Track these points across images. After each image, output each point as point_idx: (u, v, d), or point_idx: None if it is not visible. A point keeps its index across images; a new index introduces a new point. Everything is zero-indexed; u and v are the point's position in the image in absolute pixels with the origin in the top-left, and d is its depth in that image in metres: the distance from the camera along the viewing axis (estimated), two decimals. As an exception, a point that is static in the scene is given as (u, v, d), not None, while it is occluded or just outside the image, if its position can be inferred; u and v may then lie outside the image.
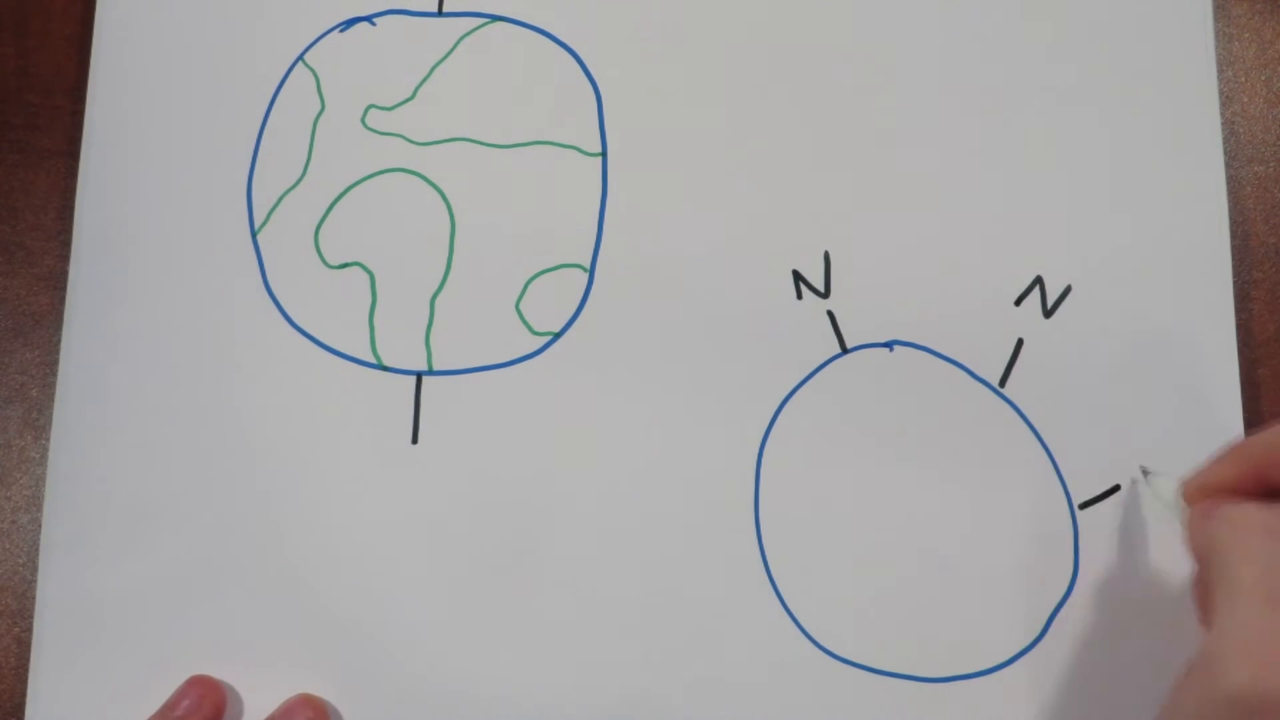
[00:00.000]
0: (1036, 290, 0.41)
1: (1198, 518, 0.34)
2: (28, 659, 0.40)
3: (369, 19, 0.44)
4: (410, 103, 0.43)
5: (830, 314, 0.41)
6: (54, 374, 0.42)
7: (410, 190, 0.43)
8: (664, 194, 0.42)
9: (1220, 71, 0.44)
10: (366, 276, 0.42)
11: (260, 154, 0.43)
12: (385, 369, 0.42)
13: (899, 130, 0.43)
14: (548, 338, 0.42)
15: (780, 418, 0.41)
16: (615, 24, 0.44)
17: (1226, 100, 0.43)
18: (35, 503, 0.42)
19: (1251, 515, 0.31)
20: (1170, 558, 0.39)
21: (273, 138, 0.43)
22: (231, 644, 0.40)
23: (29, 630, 0.41)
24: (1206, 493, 0.35)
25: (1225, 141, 0.42)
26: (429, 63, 0.44)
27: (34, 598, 0.41)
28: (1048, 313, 0.41)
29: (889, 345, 0.41)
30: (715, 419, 0.41)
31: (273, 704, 0.39)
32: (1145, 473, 0.39)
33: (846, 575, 0.40)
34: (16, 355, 0.43)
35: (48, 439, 0.42)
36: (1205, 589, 0.33)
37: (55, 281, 0.43)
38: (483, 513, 0.41)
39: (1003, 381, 0.41)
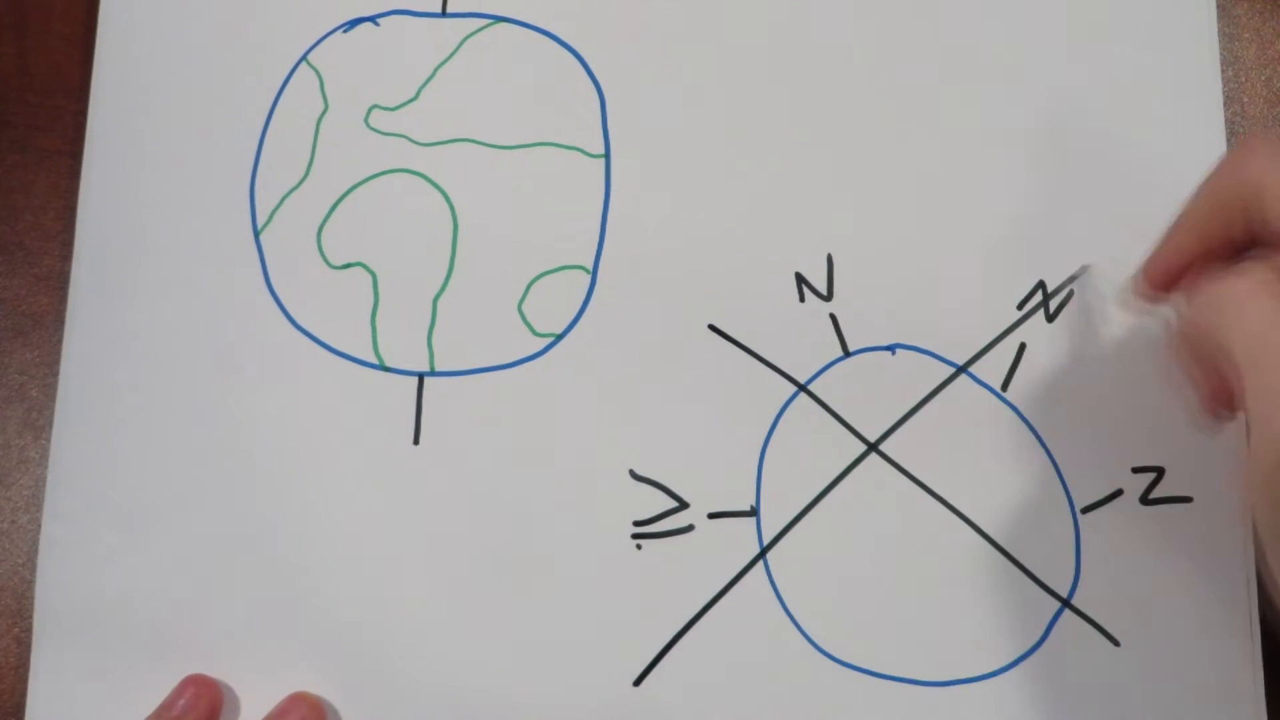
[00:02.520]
0: (1039, 294, 0.41)
1: (1189, 303, 0.34)
2: (28, 659, 0.40)
3: (373, 19, 0.44)
4: (413, 103, 0.43)
5: (833, 317, 0.41)
6: (54, 374, 0.42)
7: (413, 191, 0.43)
8: (667, 196, 0.42)
9: (1221, 72, 0.44)
10: (369, 277, 0.42)
11: (263, 154, 0.43)
12: (387, 370, 0.42)
13: (903, 133, 0.43)
14: (550, 339, 0.42)
15: (782, 420, 0.41)
16: (619, 26, 0.44)
17: (1227, 100, 0.43)
18: (35, 503, 0.42)
19: (1241, 284, 0.31)
20: (1174, 562, 0.39)
21: (276, 138, 0.43)
22: (231, 644, 0.40)
23: (29, 630, 0.40)
24: (1171, 273, 0.35)
25: (1226, 141, 0.42)
26: (433, 63, 0.44)
27: (34, 598, 0.40)
28: (1050, 317, 0.41)
29: (891, 349, 0.41)
30: (717, 421, 0.41)
31: (272, 704, 0.39)
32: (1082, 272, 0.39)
33: (847, 578, 0.40)
34: (16, 355, 0.43)
35: (48, 439, 0.42)
36: (1217, 374, 0.33)
37: (55, 282, 0.43)
38: (484, 514, 0.41)
39: (1005, 385, 0.41)
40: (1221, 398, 0.34)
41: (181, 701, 0.39)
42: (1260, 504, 0.30)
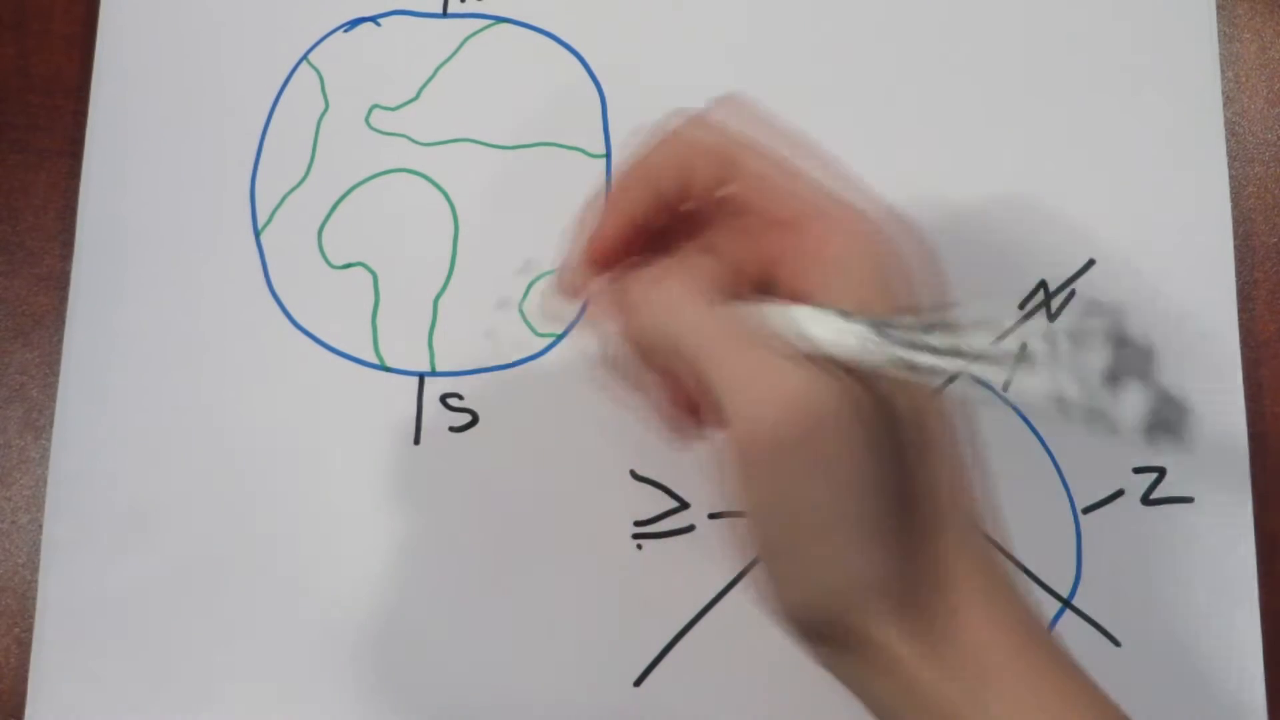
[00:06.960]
0: (1041, 294, 0.41)
1: (624, 311, 0.30)
2: (28, 659, 0.40)
3: (374, 19, 0.44)
4: (414, 103, 0.43)
5: (834, 317, 0.41)
6: (54, 374, 0.42)
7: (414, 191, 0.43)
8: (668, 196, 0.42)
9: (1221, 72, 0.44)
10: (369, 277, 0.42)
11: (264, 153, 0.43)
12: (388, 370, 0.41)
13: (901, 133, 0.43)
14: (550, 339, 0.42)
15: (783, 420, 0.41)
16: (620, 26, 0.44)
17: (1227, 100, 0.43)
18: (35, 503, 0.42)
19: (674, 284, 0.29)
20: (1175, 562, 0.39)
21: (276, 137, 0.43)
22: (231, 644, 0.40)
23: (29, 630, 0.40)
24: (616, 251, 0.32)
25: (1225, 141, 0.42)
26: (433, 63, 0.44)
27: (34, 598, 0.40)
28: (1052, 317, 0.41)
29: (892, 348, 0.41)
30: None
31: (271, 704, 0.39)
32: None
33: (849, 578, 0.40)
34: (17, 355, 0.43)
35: (48, 439, 0.42)
36: (673, 380, 0.31)
37: (55, 282, 0.43)
38: (484, 514, 0.40)
39: (1006, 385, 0.41)
40: (682, 404, 0.32)
41: None
42: (749, 496, 0.28)
